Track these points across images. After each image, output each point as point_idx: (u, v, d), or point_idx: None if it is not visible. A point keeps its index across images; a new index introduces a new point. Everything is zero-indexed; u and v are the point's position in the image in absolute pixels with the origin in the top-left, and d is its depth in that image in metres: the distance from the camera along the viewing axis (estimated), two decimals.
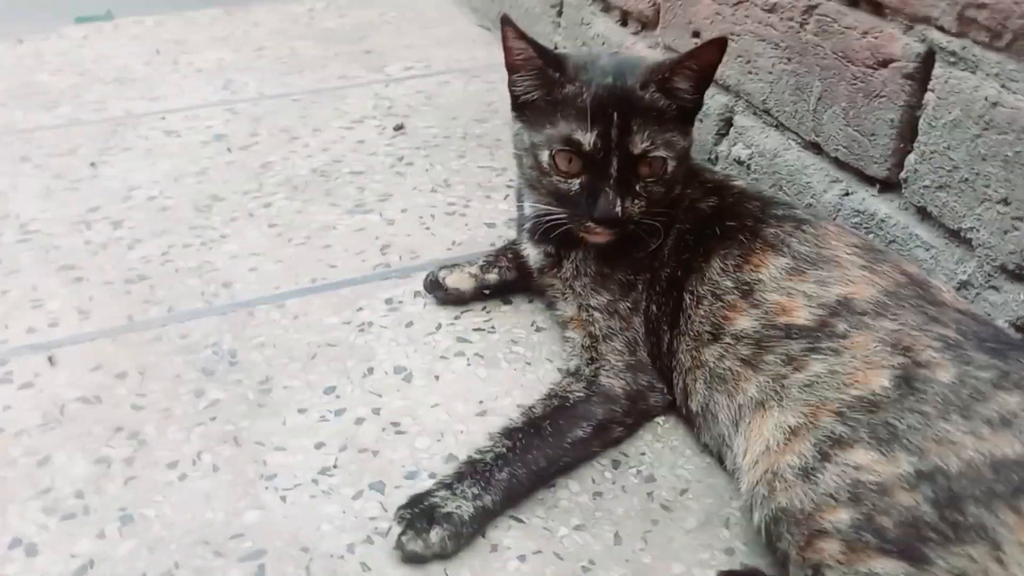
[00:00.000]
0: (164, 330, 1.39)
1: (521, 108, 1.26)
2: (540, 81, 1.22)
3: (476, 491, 1.07)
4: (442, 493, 1.07)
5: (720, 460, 1.16)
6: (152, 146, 1.94)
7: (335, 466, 1.17)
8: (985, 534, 0.85)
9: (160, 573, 1.02)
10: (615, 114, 1.16)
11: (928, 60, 1.17)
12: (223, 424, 1.23)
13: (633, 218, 1.20)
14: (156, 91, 2.20)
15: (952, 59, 1.13)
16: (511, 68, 1.23)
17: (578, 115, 1.17)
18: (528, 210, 1.36)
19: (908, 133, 1.23)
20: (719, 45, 1.19)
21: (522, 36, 1.20)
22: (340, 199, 1.75)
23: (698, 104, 1.23)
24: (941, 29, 1.14)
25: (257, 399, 1.27)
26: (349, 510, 1.11)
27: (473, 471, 1.09)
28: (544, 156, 1.21)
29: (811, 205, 1.40)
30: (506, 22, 1.20)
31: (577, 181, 1.20)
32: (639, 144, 1.17)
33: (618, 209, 1.17)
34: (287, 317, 1.43)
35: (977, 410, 0.91)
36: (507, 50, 1.22)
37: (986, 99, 1.09)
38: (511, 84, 1.25)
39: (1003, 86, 1.07)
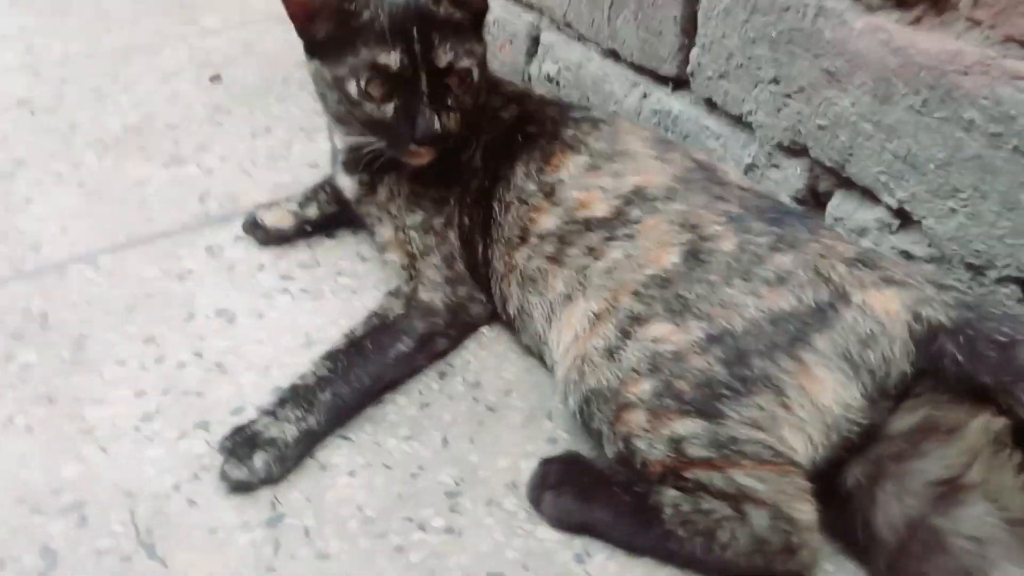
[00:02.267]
0: None
1: (315, 48, 1.23)
2: (339, 18, 1.18)
3: (299, 414, 1.07)
4: (264, 420, 1.07)
5: (541, 359, 1.20)
6: None
7: (157, 411, 1.14)
8: (770, 383, 0.91)
9: None
10: (415, 31, 1.16)
11: None
12: (36, 385, 1.18)
13: (452, 132, 1.20)
14: None
15: None
16: (309, 16, 1.19)
17: (378, 39, 1.16)
18: (340, 143, 1.35)
19: (689, 28, 1.28)
20: None
21: None
22: (155, 153, 1.70)
23: (485, 8, 1.25)
24: None
25: (72, 357, 1.23)
26: (174, 451, 1.09)
27: (295, 395, 1.09)
28: (351, 87, 1.18)
29: (615, 111, 1.45)
30: None
31: (390, 105, 1.18)
32: (444, 58, 1.17)
33: (437, 125, 1.17)
34: (101, 274, 1.38)
35: (756, 272, 0.97)
36: (300, 3, 1.18)
37: None
38: (306, 31, 1.21)
39: None
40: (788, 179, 1.19)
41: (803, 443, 0.91)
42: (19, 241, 1.45)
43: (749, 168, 1.24)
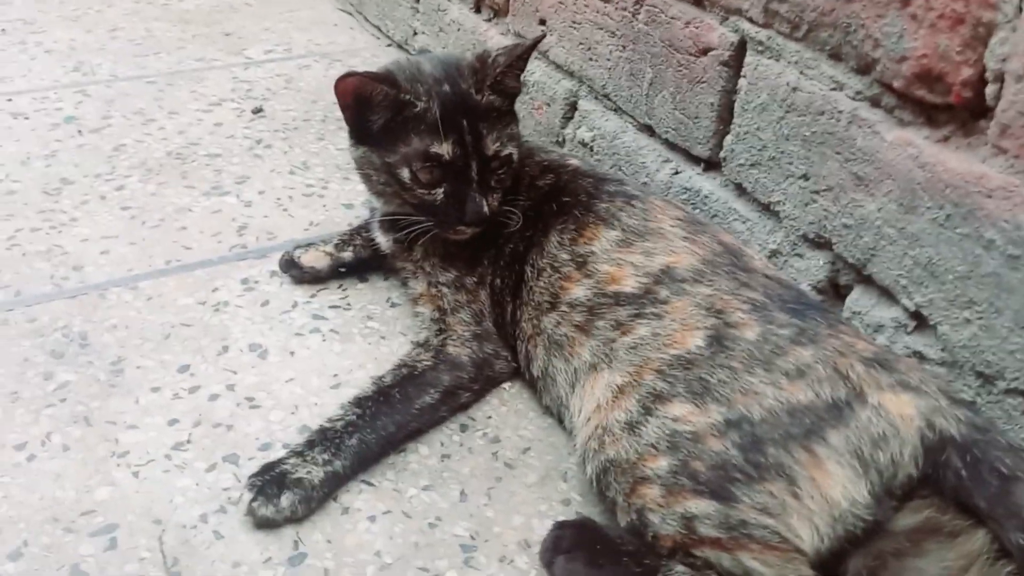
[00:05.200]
0: (11, 314, 1.38)
1: (365, 136, 1.29)
2: (395, 108, 1.24)
3: (326, 457, 1.12)
4: (293, 460, 1.11)
5: (560, 420, 1.25)
6: None
7: (188, 441, 1.19)
8: (783, 472, 0.95)
9: (8, 552, 1.02)
10: (464, 122, 1.23)
11: (741, 49, 1.29)
12: (73, 405, 1.23)
13: (496, 212, 1.28)
14: (2, 72, 2.13)
15: (760, 48, 1.25)
16: (368, 106, 1.25)
17: (430, 129, 1.23)
18: (378, 207, 1.41)
19: (726, 116, 1.34)
20: (537, 42, 1.31)
21: (377, 78, 1.23)
22: (196, 181, 1.76)
23: (519, 91, 1.34)
24: (751, 20, 1.25)
25: (108, 380, 1.27)
26: (202, 482, 1.14)
27: (324, 438, 1.14)
28: (404, 173, 1.25)
29: (646, 183, 1.51)
30: (353, 74, 1.22)
31: (440, 190, 1.26)
32: (491, 146, 1.26)
33: (486, 209, 1.25)
34: (140, 299, 1.43)
35: (777, 363, 1.02)
36: (363, 97, 1.23)
37: (788, 84, 1.21)
38: (359, 121, 1.27)
39: (802, 73, 1.19)
40: (810, 269, 1.24)
41: (810, 532, 0.95)
42: (62, 260, 1.50)
43: (773, 254, 1.29)
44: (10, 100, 1.99)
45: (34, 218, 1.60)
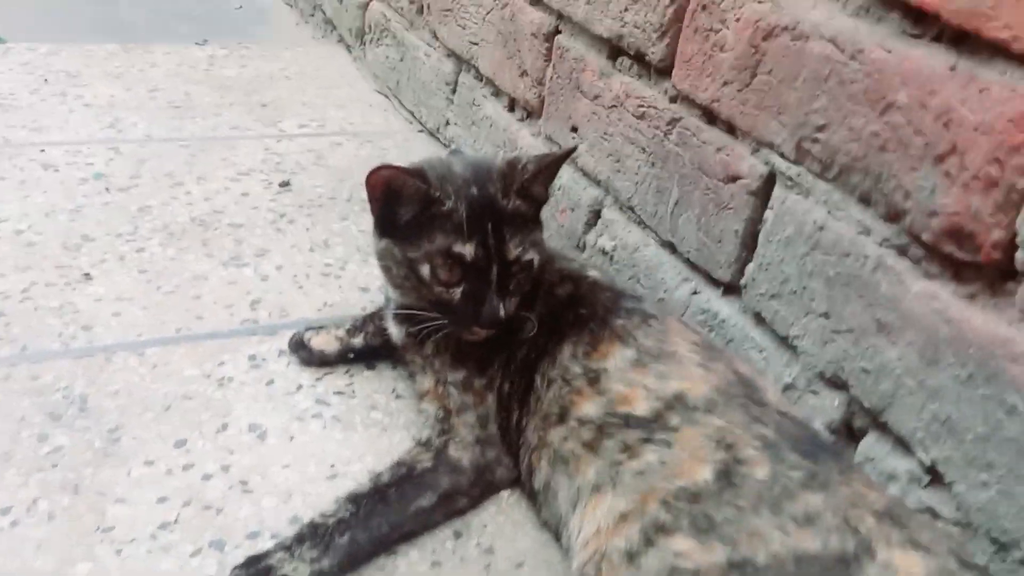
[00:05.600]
0: (14, 369, 1.36)
1: (390, 229, 1.30)
2: (423, 204, 1.24)
3: (315, 554, 1.09)
4: (280, 555, 1.08)
5: (557, 537, 1.21)
6: (27, 178, 1.90)
7: (176, 521, 1.16)
8: None
9: None
10: (489, 224, 1.23)
11: (770, 181, 1.29)
12: (65, 471, 1.21)
13: (511, 316, 1.27)
14: (39, 122, 2.17)
15: (789, 183, 1.26)
16: (397, 200, 1.25)
17: (455, 229, 1.23)
18: (393, 299, 1.40)
19: (750, 244, 1.34)
20: (568, 153, 1.33)
21: (410, 173, 1.24)
22: (216, 250, 1.76)
23: (546, 200, 1.35)
24: (782, 155, 1.26)
25: (104, 448, 1.25)
26: (186, 567, 1.10)
27: (314, 534, 1.11)
28: (424, 269, 1.25)
29: (663, 300, 1.50)
30: (387, 167, 1.22)
31: (458, 290, 1.25)
32: (513, 250, 1.25)
33: (502, 312, 1.24)
34: (145, 365, 1.42)
35: (786, 507, 0.99)
36: (393, 191, 1.24)
37: (815, 222, 1.21)
38: (386, 213, 1.28)
39: (829, 212, 1.19)
40: (825, 408, 1.23)
41: None
42: (73, 318, 1.50)
43: (788, 387, 1.28)
44: (43, 151, 2.02)
45: (50, 272, 1.60)
